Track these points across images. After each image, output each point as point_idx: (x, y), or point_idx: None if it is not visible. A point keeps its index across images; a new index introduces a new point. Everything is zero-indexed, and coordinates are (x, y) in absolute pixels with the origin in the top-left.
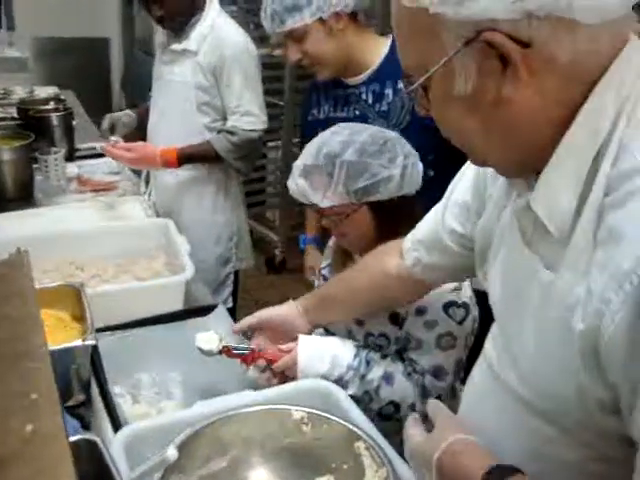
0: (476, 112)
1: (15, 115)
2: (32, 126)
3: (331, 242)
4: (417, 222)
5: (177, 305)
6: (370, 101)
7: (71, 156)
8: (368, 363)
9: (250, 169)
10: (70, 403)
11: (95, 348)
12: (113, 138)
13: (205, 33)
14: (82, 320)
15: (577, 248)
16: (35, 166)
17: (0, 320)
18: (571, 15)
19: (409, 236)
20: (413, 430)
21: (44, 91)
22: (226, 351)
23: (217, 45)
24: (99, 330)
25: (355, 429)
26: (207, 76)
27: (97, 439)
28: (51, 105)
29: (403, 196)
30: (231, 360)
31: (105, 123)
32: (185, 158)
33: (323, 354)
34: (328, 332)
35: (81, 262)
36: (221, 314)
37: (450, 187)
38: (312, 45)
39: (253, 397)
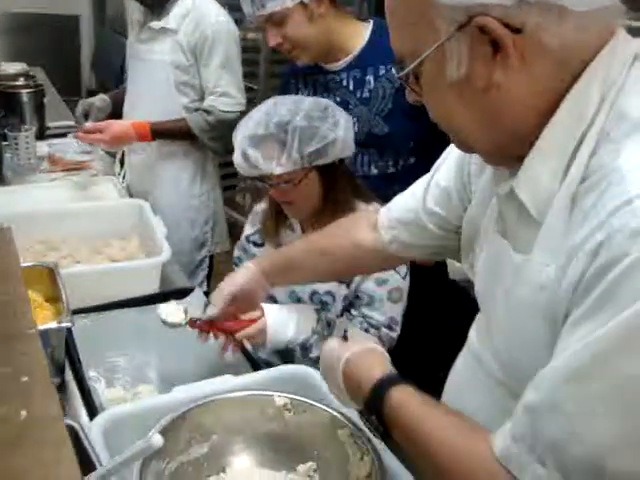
0: (466, 97)
1: None
2: (1, 102)
3: (258, 208)
4: (356, 186)
5: (153, 287)
6: (351, 87)
7: (42, 134)
8: (329, 324)
9: (224, 150)
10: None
11: (69, 331)
12: (88, 124)
13: (185, 11)
14: (55, 301)
15: (549, 230)
16: (5, 143)
17: None
18: (560, 1)
19: (384, 212)
20: (331, 340)
21: (12, 67)
22: (191, 323)
23: (198, 24)
24: (73, 312)
25: (339, 416)
26: (187, 55)
27: (76, 425)
28: (21, 81)
29: (342, 160)
30: (207, 344)
31: (79, 109)
32: (159, 132)
33: (287, 321)
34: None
35: (53, 242)
36: (198, 297)
37: (432, 169)
38: (293, 29)
39: (234, 382)
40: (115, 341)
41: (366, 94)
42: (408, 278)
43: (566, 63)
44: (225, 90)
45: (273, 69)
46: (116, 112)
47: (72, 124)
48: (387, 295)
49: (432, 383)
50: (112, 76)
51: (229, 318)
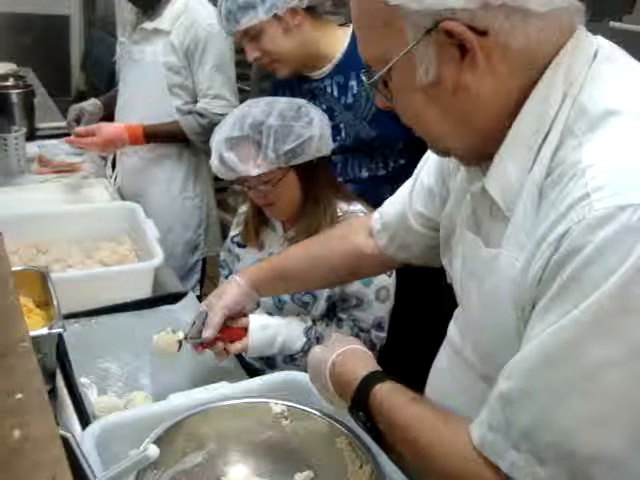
0: (436, 101)
1: None
2: None
3: (241, 210)
4: (336, 185)
5: (146, 292)
6: (335, 94)
7: (31, 136)
8: (318, 340)
9: None
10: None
11: (61, 337)
12: (79, 128)
13: (178, 12)
14: (46, 306)
15: (517, 224)
16: None
17: None
18: (524, 3)
19: (376, 217)
20: (315, 347)
21: (1, 67)
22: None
23: (191, 25)
24: (64, 317)
25: (337, 424)
26: (179, 56)
27: (68, 435)
28: (10, 82)
29: (320, 158)
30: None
31: (71, 115)
32: (152, 134)
33: (273, 342)
34: None
35: (44, 245)
36: (191, 302)
37: (416, 170)
38: (269, 43)
39: (230, 389)
40: (107, 347)
41: (350, 99)
42: (394, 276)
43: (531, 62)
44: (218, 92)
45: (265, 71)
46: (108, 116)
47: (62, 125)
48: (375, 295)
49: (424, 382)
50: (102, 77)
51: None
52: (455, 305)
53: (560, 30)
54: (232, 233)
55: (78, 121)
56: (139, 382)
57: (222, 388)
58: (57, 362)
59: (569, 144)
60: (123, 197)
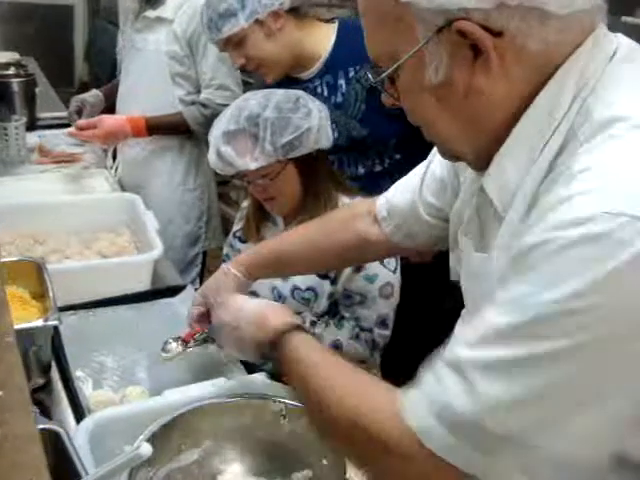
0: (445, 102)
1: None
2: None
3: (244, 205)
4: (337, 179)
5: (144, 285)
6: (325, 94)
7: (32, 125)
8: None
9: None
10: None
11: (56, 329)
12: (80, 121)
13: (182, 0)
14: (42, 298)
15: (507, 226)
16: None
17: None
18: (542, 5)
19: (382, 203)
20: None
21: (4, 56)
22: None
23: (194, 13)
24: (60, 309)
25: None
26: (182, 46)
27: (60, 430)
28: (11, 70)
29: (320, 151)
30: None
31: (72, 106)
32: (155, 127)
33: None
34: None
35: (41, 236)
36: (190, 295)
37: (427, 160)
38: (253, 49)
39: (227, 386)
40: (104, 340)
41: (340, 99)
42: (399, 272)
43: (545, 65)
44: (222, 83)
45: None
46: (110, 107)
47: (64, 115)
48: (378, 292)
49: None
50: (105, 67)
51: None
52: (458, 303)
53: (579, 31)
54: (235, 228)
55: (79, 113)
56: (135, 376)
57: (219, 384)
58: (52, 355)
59: (570, 148)
60: (123, 188)
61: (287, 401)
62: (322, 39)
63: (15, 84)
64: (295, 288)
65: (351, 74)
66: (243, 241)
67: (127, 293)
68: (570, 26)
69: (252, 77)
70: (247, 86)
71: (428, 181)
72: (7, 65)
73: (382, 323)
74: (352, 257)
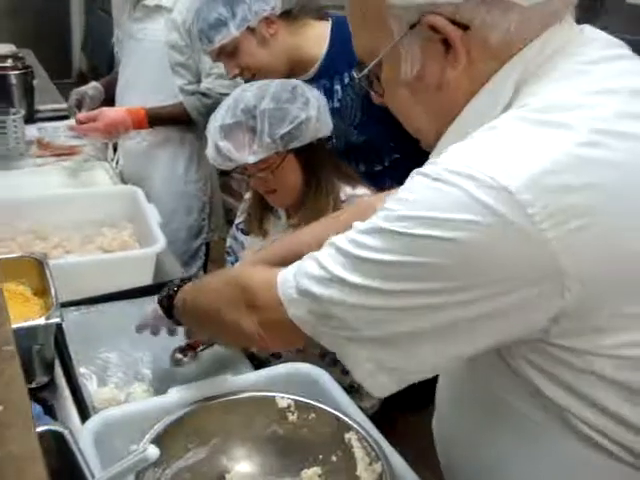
0: (420, 95)
1: None
2: None
3: (247, 196)
4: (339, 168)
5: (147, 279)
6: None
7: (31, 118)
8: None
9: None
10: (32, 385)
11: (59, 326)
12: (80, 115)
13: None
14: (44, 294)
15: None
16: None
17: None
18: None
19: None
20: None
21: (0, 48)
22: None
23: (194, 1)
24: (62, 305)
25: (345, 419)
26: (182, 34)
27: (65, 431)
28: (9, 63)
29: (320, 140)
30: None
31: (72, 99)
32: (155, 118)
33: None
34: None
35: (42, 231)
36: None
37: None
38: (246, 57)
39: (234, 382)
40: (107, 336)
41: (336, 104)
42: None
43: (504, 55)
44: (222, 72)
45: None
46: (109, 99)
47: (63, 107)
48: None
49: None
50: (103, 58)
51: None
52: None
53: (541, 23)
54: (237, 220)
55: (79, 106)
56: (140, 373)
57: (225, 381)
58: (55, 352)
59: None
60: (124, 181)
61: (295, 397)
62: (317, 40)
63: (13, 76)
64: None
65: (346, 80)
66: (246, 233)
67: (130, 288)
68: (531, 17)
69: None
70: None
71: None
72: (4, 57)
73: None
74: None
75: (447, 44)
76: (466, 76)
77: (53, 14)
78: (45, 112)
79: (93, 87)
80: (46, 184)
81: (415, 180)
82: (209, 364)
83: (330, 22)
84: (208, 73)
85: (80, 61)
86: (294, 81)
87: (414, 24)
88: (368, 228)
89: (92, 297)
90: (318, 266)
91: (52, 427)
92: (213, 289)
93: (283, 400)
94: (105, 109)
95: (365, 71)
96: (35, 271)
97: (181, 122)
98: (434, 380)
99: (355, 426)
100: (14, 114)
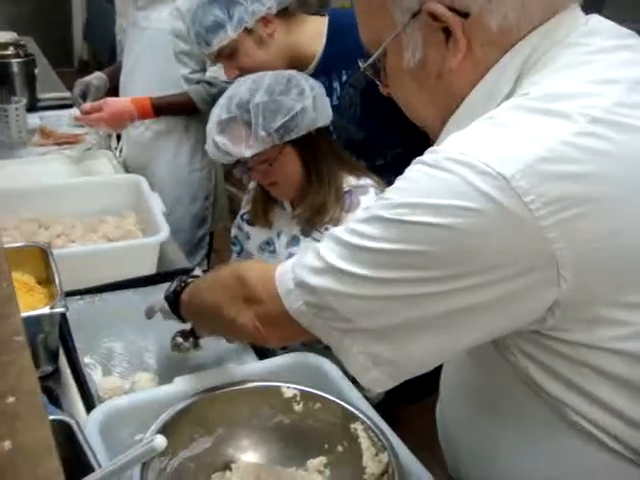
0: (425, 85)
1: None
2: None
3: (251, 186)
4: (340, 157)
5: (151, 268)
6: None
7: (33, 106)
8: None
9: None
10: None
11: (63, 315)
12: (85, 105)
13: None
14: (48, 283)
15: None
16: None
17: None
18: None
19: None
20: None
21: (2, 36)
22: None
23: None
24: (66, 294)
25: (352, 409)
26: (186, 22)
27: (71, 421)
28: (10, 50)
29: (319, 129)
30: None
31: (76, 90)
32: (161, 107)
33: None
34: None
35: (46, 220)
36: None
37: None
38: (245, 58)
39: (239, 372)
40: (111, 325)
41: (335, 102)
42: None
43: (504, 43)
44: None
45: None
46: (113, 89)
47: (65, 96)
48: None
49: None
50: (105, 46)
51: None
52: None
53: (542, 9)
54: (242, 210)
55: (84, 97)
56: (145, 362)
57: (230, 371)
58: (60, 341)
59: None
60: (128, 169)
61: (300, 387)
62: (315, 36)
63: (14, 65)
64: None
65: (344, 78)
66: (251, 223)
67: (134, 277)
68: (531, 4)
69: None
70: None
71: None
72: (6, 45)
73: None
74: None
75: (448, 32)
76: (468, 64)
77: (54, 2)
78: (47, 101)
79: (97, 77)
80: (49, 173)
81: (413, 168)
82: (214, 354)
83: (327, 17)
84: (213, 61)
85: (82, 49)
86: (289, 72)
87: (415, 12)
88: (366, 217)
89: (96, 286)
90: (316, 257)
91: (59, 417)
92: (211, 284)
93: (289, 390)
94: (110, 99)
95: (370, 60)
96: (39, 260)
97: (186, 111)
98: (438, 369)
99: (361, 416)
100: (16, 102)
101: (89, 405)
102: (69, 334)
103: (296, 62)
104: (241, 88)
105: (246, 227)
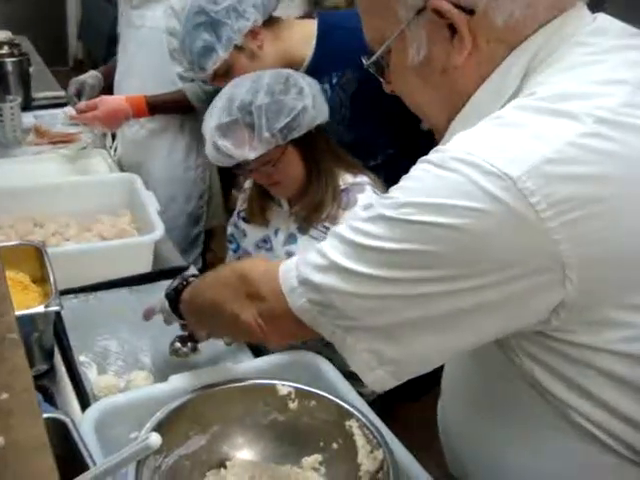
0: (427, 80)
1: None
2: None
3: (247, 185)
4: (338, 155)
5: (146, 266)
6: None
7: (27, 105)
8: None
9: None
10: (32, 373)
11: (58, 314)
12: (80, 104)
13: None
14: (43, 282)
15: None
16: None
17: None
18: None
19: None
20: None
21: None
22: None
23: None
24: (61, 293)
25: (346, 406)
26: (181, 21)
27: (67, 419)
28: (5, 50)
29: (317, 127)
30: None
31: (71, 89)
32: (156, 106)
33: None
34: None
35: (40, 218)
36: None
37: None
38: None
39: (234, 370)
40: (106, 324)
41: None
42: None
43: (510, 40)
44: None
45: None
46: (108, 87)
47: (59, 95)
48: None
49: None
50: (100, 45)
51: None
52: None
53: (549, 7)
54: (238, 208)
55: (79, 95)
56: (140, 361)
57: (226, 369)
58: (55, 340)
59: None
60: (122, 168)
61: (295, 384)
62: (304, 39)
63: (9, 63)
64: None
65: (334, 80)
66: (247, 221)
67: (128, 275)
68: (537, 2)
69: None
70: None
71: None
72: (0, 44)
73: None
74: None
75: (453, 29)
76: (474, 62)
77: (49, 1)
78: (41, 100)
79: (92, 76)
80: (44, 172)
81: (418, 167)
82: (210, 352)
83: (316, 20)
84: (211, 84)
85: (76, 48)
86: (286, 71)
87: (420, 9)
88: (371, 216)
89: (91, 285)
90: (320, 255)
91: (54, 415)
92: (213, 282)
93: (284, 388)
94: (105, 97)
95: (374, 58)
96: (34, 259)
97: (181, 109)
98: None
99: (356, 413)
100: (11, 101)
101: (84, 404)
102: (64, 332)
103: (288, 66)
104: (240, 89)
105: (242, 225)
